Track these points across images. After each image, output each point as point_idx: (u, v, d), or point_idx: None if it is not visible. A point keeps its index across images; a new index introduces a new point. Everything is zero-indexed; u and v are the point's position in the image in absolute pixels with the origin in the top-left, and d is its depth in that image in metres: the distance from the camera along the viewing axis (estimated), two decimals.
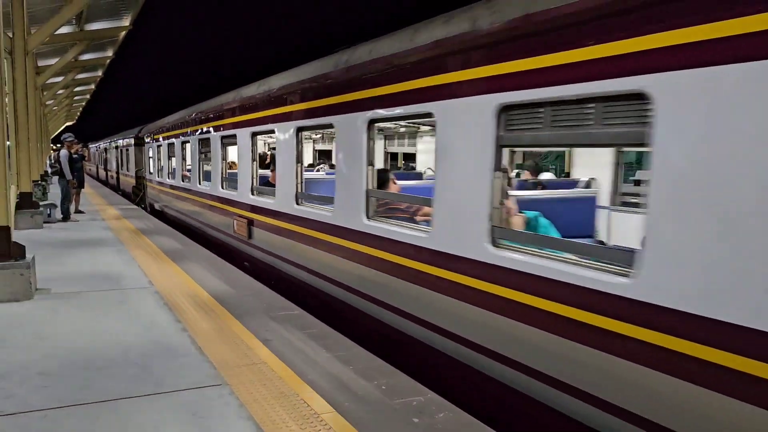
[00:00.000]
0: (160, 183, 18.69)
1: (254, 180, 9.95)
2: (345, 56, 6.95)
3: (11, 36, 13.42)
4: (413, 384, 4.64)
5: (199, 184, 13.43)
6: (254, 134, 9.87)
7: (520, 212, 5.52)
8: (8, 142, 7.43)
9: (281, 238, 8.61)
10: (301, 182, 8.22)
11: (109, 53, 24.16)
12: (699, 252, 3.21)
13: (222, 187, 11.68)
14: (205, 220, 13.07)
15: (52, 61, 20.81)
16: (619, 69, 3.59)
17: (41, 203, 14.93)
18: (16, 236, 7.28)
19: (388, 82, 5.88)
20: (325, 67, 7.36)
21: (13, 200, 9.90)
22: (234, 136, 10.71)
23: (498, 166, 4.58)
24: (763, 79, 2.91)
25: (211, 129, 12.25)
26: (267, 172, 10.47)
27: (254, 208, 9.77)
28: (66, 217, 15.40)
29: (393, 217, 6.37)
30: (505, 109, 4.48)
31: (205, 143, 12.92)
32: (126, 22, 18.95)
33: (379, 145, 12.40)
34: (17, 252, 7.13)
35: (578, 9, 3.84)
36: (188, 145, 14.67)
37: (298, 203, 8.13)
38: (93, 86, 35.95)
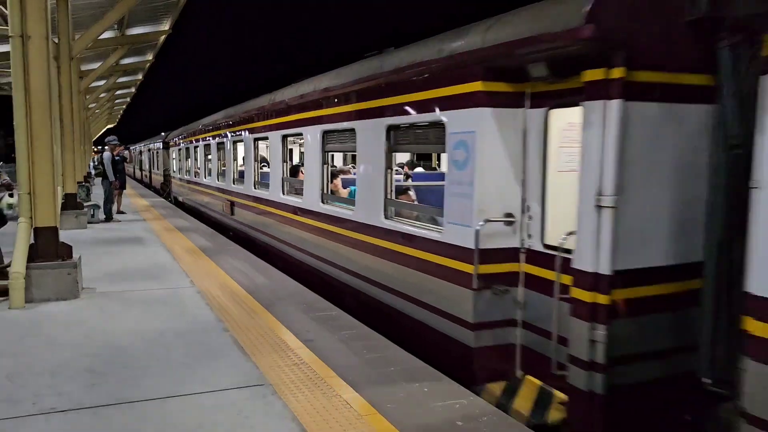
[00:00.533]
0: (180, 179, 23.37)
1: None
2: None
3: (57, 42, 13.79)
4: (456, 387, 4.61)
5: (204, 178, 17.98)
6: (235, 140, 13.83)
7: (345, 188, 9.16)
8: (55, 146, 7.63)
9: (253, 214, 12.43)
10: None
11: (149, 57, 24.68)
12: None
13: (216, 180, 16.18)
14: (210, 206, 17.35)
15: (95, 66, 21.36)
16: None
17: (85, 204, 15.31)
18: (62, 236, 7.47)
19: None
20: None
21: (59, 201, 10.18)
22: (223, 143, 15.44)
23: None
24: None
25: (210, 138, 17.08)
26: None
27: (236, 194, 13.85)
28: (109, 218, 15.76)
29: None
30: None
31: (208, 148, 17.55)
32: (166, 26, 19.33)
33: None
34: (65, 252, 7.32)
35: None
36: (199, 149, 19.08)
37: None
38: (133, 89, 36.78)
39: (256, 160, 12.48)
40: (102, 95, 31.85)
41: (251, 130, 12.47)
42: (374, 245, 7.02)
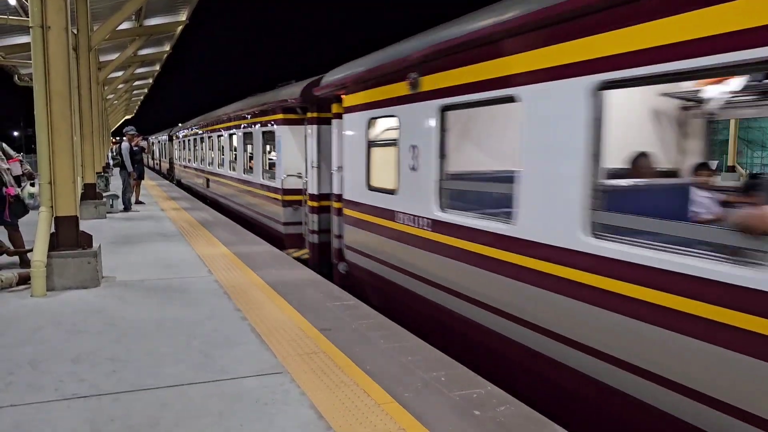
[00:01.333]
0: (179, 165, 31.53)
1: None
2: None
3: (76, 33, 13.89)
4: (473, 376, 4.61)
5: (192, 163, 25.81)
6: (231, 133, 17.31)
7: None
8: (75, 137, 7.71)
9: (217, 185, 19.76)
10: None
11: (167, 48, 24.79)
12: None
13: (199, 164, 23.47)
14: (196, 183, 24.64)
15: (113, 57, 21.50)
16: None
17: (104, 194, 15.47)
18: (82, 226, 7.55)
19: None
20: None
21: (78, 191, 10.29)
22: (201, 138, 22.97)
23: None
24: None
25: (194, 135, 25.10)
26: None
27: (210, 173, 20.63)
28: (127, 208, 15.92)
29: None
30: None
31: (193, 141, 25.29)
32: (183, 17, 19.39)
33: None
34: (85, 241, 7.41)
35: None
36: (189, 142, 26.89)
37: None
38: (151, 80, 37.00)
39: (211, 149, 20.74)
40: (120, 86, 32.07)
41: (214, 130, 19.92)
42: (249, 191, 14.71)
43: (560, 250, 4.50)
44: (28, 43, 8.20)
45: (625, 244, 4.03)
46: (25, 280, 7.31)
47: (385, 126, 7.64)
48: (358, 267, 8.41)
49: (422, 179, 6.44)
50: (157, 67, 30.67)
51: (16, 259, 8.49)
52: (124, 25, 17.33)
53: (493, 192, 5.75)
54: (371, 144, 7.86)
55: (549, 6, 4.52)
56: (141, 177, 17.60)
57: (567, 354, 4.50)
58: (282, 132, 11.86)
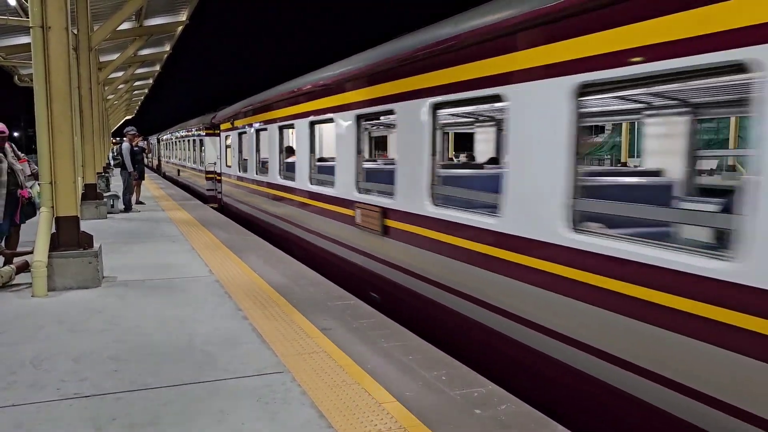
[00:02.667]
0: (163, 160, 42.54)
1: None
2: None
3: (76, 33, 13.90)
4: (474, 375, 4.61)
5: (171, 159, 37.59)
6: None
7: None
8: (75, 137, 7.71)
9: (184, 174, 31.89)
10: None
11: (167, 48, 24.79)
12: None
13: (176, 160, 34.99)
14: (173, 174, 35.37)
15: (113, 57, 21.50)
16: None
17: (104, 194, 15.47)
18: (82, 226, 7.55)
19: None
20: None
21: (79, 191, 10.30)
22: (176, 141, 35.51)
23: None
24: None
25: (171, 139, 37.97)
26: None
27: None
28: (128, 208, 15.92)
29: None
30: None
31: (172, 143, 36.98)
32: (183, 17, 19.39)
33: None
34: (86, 241, 7.41)
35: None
36: (170, 144, 38.49)
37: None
38: (151, 81, 37.00)
39: (178, 149, 33.00)
40: (120, 86, 32.07)
41: (179, 138, 32.25)
42: (195, 173, 26.54)
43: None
44: (29, 44, 8.21)
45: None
46: (22, 269, 7.35)
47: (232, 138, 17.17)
48: (228, 204, 18.16)
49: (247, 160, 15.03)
50: (158, 68, 30.66)
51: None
52: (125, 26, 17.33)
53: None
54: (227, 147, 18.20)
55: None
56: (141, 177, 17.60)
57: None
58: (205, 139, 23.49)
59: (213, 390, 4.29)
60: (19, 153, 8.65)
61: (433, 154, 6.23)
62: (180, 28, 20.29)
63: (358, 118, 8.04)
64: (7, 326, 5.79)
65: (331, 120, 8.98)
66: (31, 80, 7.42)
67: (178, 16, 19.51)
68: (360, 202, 7.82)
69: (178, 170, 32.48)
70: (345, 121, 8.39)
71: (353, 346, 5.20)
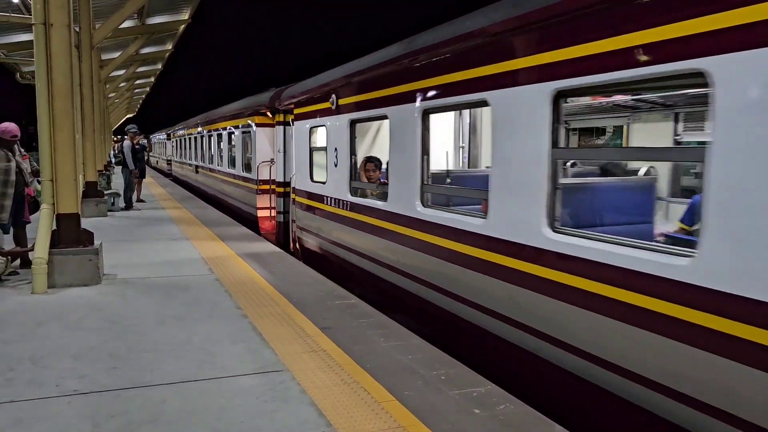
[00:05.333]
0: (157, 157, 49.44)
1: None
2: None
3: (78, 30, 13.90)
4: (473, 375, 4.61)
5: (162, 156, 45.05)
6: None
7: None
8: (77, 135, 7.71)
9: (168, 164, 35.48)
10: None
11: (169, 46, 24.78)
12: None
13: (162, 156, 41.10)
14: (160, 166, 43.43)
15: (115, 55, 21.49)
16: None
17: (105, 192, 15.48)
18: (83, 224, 7.56)
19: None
20: None
21: (80, 189, 10.30)
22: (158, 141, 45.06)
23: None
24: None
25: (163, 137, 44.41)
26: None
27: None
28: (129, 206, 15.93)
29: None
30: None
31: (161, 143, 45.77)
32: (185, 15, 19.38)
33: None
34: (86, 238, 7.42)
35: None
36: (160, 143, 46.68)
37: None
38: (153, 79, 36.99)
39: (163, 148, 42.80)
40: (121, 84, 32.06)
41: (162, 140, 43.00)
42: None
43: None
44: (30, 41, 8.20)
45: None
46: (15, 257, 7.37)
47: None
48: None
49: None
50: (159, 66, 30.63)
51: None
52: (127, 24, 17.31)
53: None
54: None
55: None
56: (143, 175, 17.61)
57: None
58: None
59: (212, 388, 4.29)
60: (21, 149, 8.65)
61: None
62: (182, 27, 20.28)
63: None
64: (7, 323, 5.79)
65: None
66: (33, 78, 7.45)
67: (180, 15, 19.50)
68: None
69: (169, 161, 35.79)
70: None
71: (353, 345, 5.20)
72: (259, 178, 13.71)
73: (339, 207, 8.51)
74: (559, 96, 4.33)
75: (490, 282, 5.06)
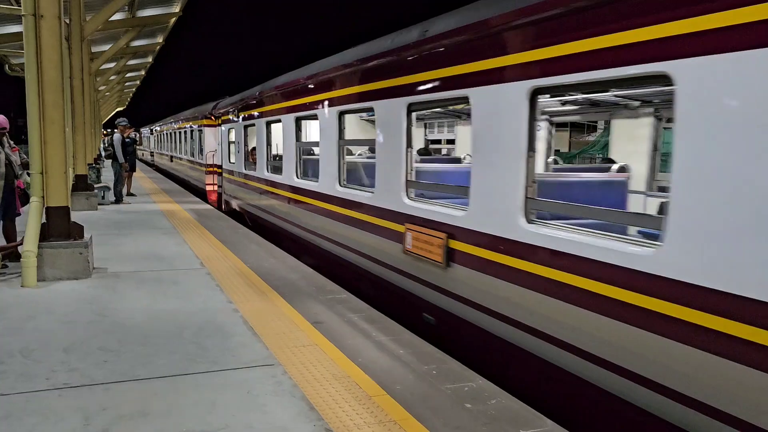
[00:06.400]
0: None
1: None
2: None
3: (68, 22, 13.77)
4: (464, 370, 4.63)
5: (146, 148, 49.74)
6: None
7: None
8: (66, 128, 7.66)
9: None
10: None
11: (160, 40, 24.58)
12: None
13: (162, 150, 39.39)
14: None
15: (105, 48, 21.30)
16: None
17: (95, 186, 15.38)
18: (73, 217, 7.51)
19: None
20: None
21: (70, 181, 10.22)
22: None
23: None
24: None
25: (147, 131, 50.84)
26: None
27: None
28: (119, 199, 15.84)
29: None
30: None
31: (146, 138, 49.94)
32: (176, 8, 19.23)
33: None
34: (76, 231, 7.37)
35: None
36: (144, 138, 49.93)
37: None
38: (143, 72, 36.70)
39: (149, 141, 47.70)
40: (112, 78, 31.76)
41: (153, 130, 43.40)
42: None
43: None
44: (20, 33, 8.14)
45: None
46: (15, 256, 7.34)
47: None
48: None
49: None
50: (150, 59, 30.37)
51: None
52: (117, 16, 17.17)
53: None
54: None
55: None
56: (133, 169, 17.51)
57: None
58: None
59: (203, 382, 4.29)
60: (11, 142, 8.58)
61: None
62: (173, 20, 20.12)
63: None
64: None
65: None
66: (23, 70, 7.40)
67: (171, 8, 19.33)
68: None
69: (152, 153, 44.58)
70: None
71: (345, 340, 5.21)
72: (206, 162, 20.27)
73: (240, 177, 14.60)
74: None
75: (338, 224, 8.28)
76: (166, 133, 33.99)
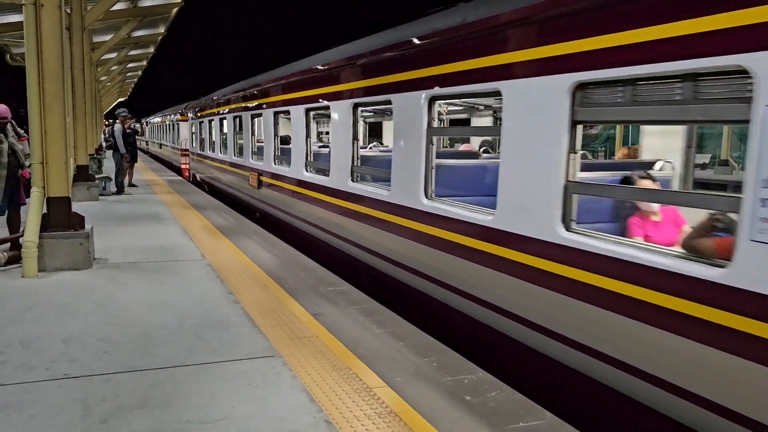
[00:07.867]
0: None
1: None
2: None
3: (69, 12, 13.71)
4: (464, 362, 4.62)
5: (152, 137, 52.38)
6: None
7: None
8: (67, 118, 7.62)
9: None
10: None
11: (161, 30, 24.49)
12: None
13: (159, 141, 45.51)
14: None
15: (106, 38, 21.22)
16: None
17: (96, 176, 15.36)
18: (74, 208, 7.49)
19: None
20: None
21: (71, 172, 10.19)
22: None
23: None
24: None
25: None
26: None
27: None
28: (120, 190, 15.82)
29: None
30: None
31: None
32: None
33: None
34: (77, 222, 7.36)
35: None
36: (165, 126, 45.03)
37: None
38: (145, 63, 36.59)
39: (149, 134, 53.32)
40: (113, 68, 31.65)
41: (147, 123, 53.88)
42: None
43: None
44: (20, 22, 8.09)
45: None
46: (13, 260, 7.29)
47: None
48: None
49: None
50: (152, 49, 30.24)
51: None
52: (119, 6, 17.08)
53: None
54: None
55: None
56: (134, 160, 17.48)
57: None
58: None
59: (203, 373, 4.28)
60: (20, 131, 8.52)
61: None
62: (175, 10, 20.02)
63: None
64: None
65: None
66: (23, 59, 7.35)
67: None
68: None
69: (146, 143, 54.00)
70: None
71: (345, 332, 5.20)
72: (181, 147, 27.15)
73: (197, 156, 21.29)
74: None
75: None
76: (156, 126, 45.24)
